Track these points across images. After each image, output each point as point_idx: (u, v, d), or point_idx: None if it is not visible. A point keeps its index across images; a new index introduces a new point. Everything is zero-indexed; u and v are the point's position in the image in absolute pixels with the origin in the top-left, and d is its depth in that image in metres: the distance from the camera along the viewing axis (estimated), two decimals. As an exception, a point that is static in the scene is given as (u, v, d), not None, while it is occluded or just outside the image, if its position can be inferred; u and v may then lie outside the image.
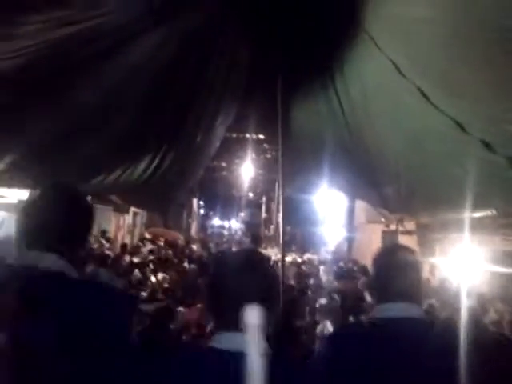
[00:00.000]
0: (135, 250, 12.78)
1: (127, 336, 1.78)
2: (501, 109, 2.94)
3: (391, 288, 2.07)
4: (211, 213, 49.85)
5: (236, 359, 1.55)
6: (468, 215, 5.29)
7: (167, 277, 9.94)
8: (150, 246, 13.81)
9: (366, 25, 3.52)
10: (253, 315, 1.57)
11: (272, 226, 32.42)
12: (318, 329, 6.04)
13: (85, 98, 3.82)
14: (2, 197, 6.34)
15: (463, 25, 2.58)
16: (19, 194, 6.35)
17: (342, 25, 3.85)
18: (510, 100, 2.82)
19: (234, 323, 1.62)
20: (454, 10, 2.52)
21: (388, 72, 3.53)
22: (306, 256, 16.47)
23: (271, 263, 1.83)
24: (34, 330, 1.57)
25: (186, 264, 11.57)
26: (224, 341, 1.65)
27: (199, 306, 6.62)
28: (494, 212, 5.14)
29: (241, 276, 1.69)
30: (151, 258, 11.82)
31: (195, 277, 8.98)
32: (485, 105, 3.07)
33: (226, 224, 49.68)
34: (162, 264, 11.20)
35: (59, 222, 1.85)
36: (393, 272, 2.10)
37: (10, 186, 5.29)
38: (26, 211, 1.88)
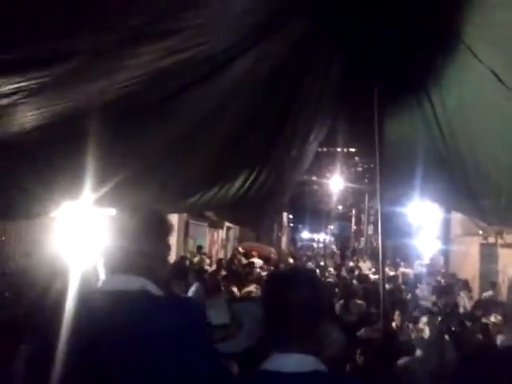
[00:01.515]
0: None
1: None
2: None
3: None
4: (300, 226, 49.86)
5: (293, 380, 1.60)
6: None
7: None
8: (244, 260, 13.96)
9: (464, 34, 3.46)
10: None
11: (362, 239, 31.97)
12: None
13: (187, 120, 3.98)
14: (104, 215, 6.70)
15: None
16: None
17: (438, 36, 3.80)
18: None
19: (288, 344, 1.66)
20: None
21: (487, 82, 3.44)
22: (401, 270, 16.05)
23: (320, 281, 1.84)
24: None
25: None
26: (276, 362, 1.66)
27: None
28: None
29: (296, 297, 1.68)
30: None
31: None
32: None
33: (316, 237, 49.51)
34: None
35: (145, 245, 1.90)
36: None
37: (111, 206, 5.58)
38: (111, 236, 1.94)
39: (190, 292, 6.29)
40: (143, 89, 2.96)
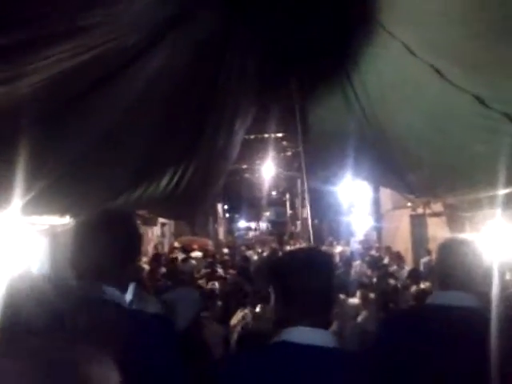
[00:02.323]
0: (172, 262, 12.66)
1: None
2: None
3: (450, 277, 2.17)
4: (237, 215, 49.99)
5: (309, 351, 1.66)
6: (496, 192, 5.24)
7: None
8: (181, 255, 13.83)
9: (379, 15, 3.53)
10: None
11: (298, 222, 32.39)
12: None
13: (104, 119, 3.88)
14: (33, 224, 6.46)
15: (474, 1, 2.59)
16: (50, 221, 6.48)
17: (355, 19, 3.86)
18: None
19: (304, 318, 1.72)
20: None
21: (402, 56, 3.53)
22: (338, 248, 16.40)
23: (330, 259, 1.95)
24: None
25: (219, 270, 11.53)
26: (296, 335, 1.71)
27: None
28: (523, 185, 5.07)
29: (311, 273, 1.76)
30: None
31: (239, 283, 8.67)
32: (504, 78, 3.05)
33: (253, 225, 49.79)
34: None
35: (110, 250, 1.83)
36: (452, 262, 2.19)
37: (40, 213, 5.38)
38: (75, 242, 1.85)
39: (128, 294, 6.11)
40: (58, 89, 2.86)
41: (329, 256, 2.02)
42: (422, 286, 6.89)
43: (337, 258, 13.00)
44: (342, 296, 6.29)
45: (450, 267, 2.18)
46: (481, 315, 2.06)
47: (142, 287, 6.54)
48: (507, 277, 7.32)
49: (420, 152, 5.02)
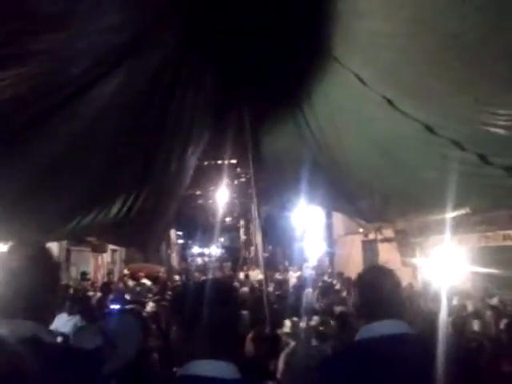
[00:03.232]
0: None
1: None
2: (469, 109, 3.02)
3: (377, 308, 2.13)
4: (190, 242, 49.49)
5: None
6: (444, 216, 5.37)
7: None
8: (130, 283, 13.60)
9: (331, 45, 3.59)
10: None
11: (252, 248, 32.35)
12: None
13: (53, 146, 3.79)
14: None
15: (422, 33, 2.67)
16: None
17: (308, 48, 3.92)
18: (478, 100, 2.91)
19: (206, 351, 1.72)
20: (412, 21, 2.61)
21: (352, 86, 3.60)
22: (290, 274, 16.42)
23: (235, 293, 1.96)
24: None
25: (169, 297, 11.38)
26: (197, 368, 1.71)
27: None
28: (469, 210, 5.23)
29: (213, 306, 1.75)
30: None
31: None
32: (452, 106, 3.14)
33: (206, 251, 49.37)
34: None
35: (31, 287, 1.78)
36: (377, 292, 2.16)
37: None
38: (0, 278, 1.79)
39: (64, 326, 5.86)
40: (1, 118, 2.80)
41: (231, 288, 2.02)
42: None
43: (291, 284, 13.01)
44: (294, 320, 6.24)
45: (377, 297, 2.15)
46: (417, 341, 2.08)
47: (88, 317, 6.37)
48: (453, 302, 7.46)
49: (370, 179, 5.11)
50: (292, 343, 5.60)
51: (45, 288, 1.83)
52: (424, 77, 3.03)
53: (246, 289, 12.01)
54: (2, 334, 1.65)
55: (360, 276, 2.32)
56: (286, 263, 20.29)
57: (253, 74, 4.61)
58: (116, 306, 9.56)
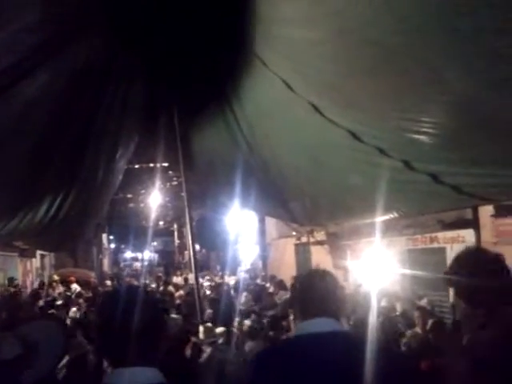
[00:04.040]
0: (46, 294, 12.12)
1: None
2: (393, 117, 3.09)
3: (310, 307, 2.21)
4: (123, 246, 48.59)
5: None
6: (374, 220, 5.49)
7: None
8: (60, 289, 13.21)
9: (255, 47, 3.60)
10: None
11: (186, 252, 32.13)
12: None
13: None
14: None
15: (347, 42, 2.71)
16: None
17: (232, 50, 3.91)
18: (402, 108, 2.98)
19: (124, 359, 1.70)
20: (338, 29, 2.64)
21: (280, 91, 3.62)
22: (224, 278, 16.40)
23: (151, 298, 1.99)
24: None
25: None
26: (120, 377, 1.69)
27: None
28: (397, 214, 5.37)
29: (126, 314, 1.72)
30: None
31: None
32: (376, 114, 3.21)
33: (140, 255, 48.60)
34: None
35: None
36: (310, 292, 2.25)
37: None
38: None
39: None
40: None
41: (146, 294, 2.01)
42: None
43: (223, 288, 12.99)
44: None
45: (310, 297, 2.24)
46: (346, 339, 2.18)
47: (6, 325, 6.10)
48: (383, 303, 7.64)
49: (299, 182, 5.15)
50: (208, 349, 5.59)
51: None
52: (350, 85, 3.08)
53: (181, 292, 11.94)
54: None
55: (296, 278, 2.46)
56: (218, 267, 20.24)
57: (181, 74, 4.56)
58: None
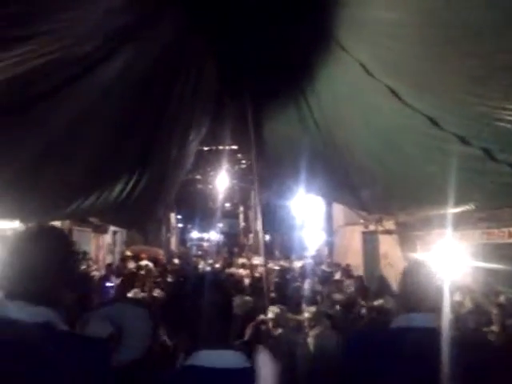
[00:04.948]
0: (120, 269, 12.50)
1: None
2: (475, 103, 2.95)
3: (413, 300, 2.25)
4: (189, 226, 49.63)
5: (218, 375, 1.68)
6: (447, 211, 5.30)
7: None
8: (132, 264, 13.59)
9: (336, 33, 3.52)
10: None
11: (251, 235, 32.40)
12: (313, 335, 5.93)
13: (56, 126, 3.75)
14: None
15: (429, 25, 2.59)
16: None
17: (311, 36, 3.85)
18: (481, 94, 2.83)
19: (210, 341, 1.75)
20: (420, 12, 2.54)
21: (358, 76, 3.53)
22: (288, 262, 16.40)
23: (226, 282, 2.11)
24: None
25: (169, 279, 11.38)
26: (204, 358, 1.72)
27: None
28: (473, 206, 5.16)
29: (213, 298, 1.81)
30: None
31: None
32: (456, 100, 3.07)
33: (205, 235, 49.50)
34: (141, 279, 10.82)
35: (47, 270, 1.72)
36: (415, 286, 2.29)
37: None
38: (8, 258, 1.73)
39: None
40: (10, 94, 2.75)
41: (221, 280, 2.10)
42: (376, 303, 6.88)
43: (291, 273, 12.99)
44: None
45: (414, 290, 2.27)
46: (440, 336, 2.11)
47: (88, 303, 6.34)
48: (456, 297, 7.40)
49: (373, 169, 5.04)
50: (315, 328, 5.58)
51: (55, 269, 1.76)
52: (430, 69, 2.96)
53: (249, 273, 12.07)
54: (17, 318, 1.62)
55: (404, 270, 2.44)
56: (277, 252, 20.29)
57: (255, 59, 4.53)
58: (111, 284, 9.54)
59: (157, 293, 7.98)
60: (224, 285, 1.97)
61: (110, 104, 4.12)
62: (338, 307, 7.27)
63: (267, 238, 28.25)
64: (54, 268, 1.74)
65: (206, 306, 1.79)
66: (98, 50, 3.12)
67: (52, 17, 2.29)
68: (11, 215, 5.45)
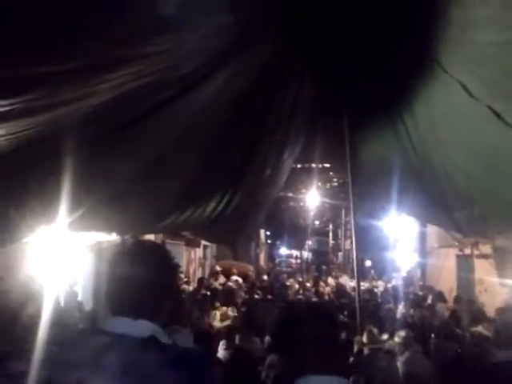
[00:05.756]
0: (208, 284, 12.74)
1: None
2: None
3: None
4: (278, 242, 49.75)
5: None
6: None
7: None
8: (222, 279, 13.84)
9: (437, 54, 3.52)
10: None
11: (340, 253, 32.06)
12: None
13: (156, 142, 3.95)
14: (80, 239, 6.63)
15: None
16: (96, 237, 6.64)
17: (411, 58, 3.86)
18: None
19: (316, 368, 1.76)
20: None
21: (458, 96, 3.51)
22: (378, 283, 16.10)
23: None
24: None
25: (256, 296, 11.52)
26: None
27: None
28: None
29: (318, 326, 1.83)
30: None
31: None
32: None
33: (294, 253, 49.43)
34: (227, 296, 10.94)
35: (152, 285, 1.76)
36: None
37: (87, 229, 5.51)
38: (111, 274, 1.78)
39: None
40: (114, 113, 2.95)
41: (329, 309, 2.14)
42: (480, 328, 6.63)
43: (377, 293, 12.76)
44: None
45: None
46: None
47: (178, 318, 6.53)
48: None
49: (471, 191, 4.93)
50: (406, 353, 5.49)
51: (161, 284, 1.80)
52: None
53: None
54: (124, 333, 1.66)
55: (503, 308, 2.51)
56: (372, 272, 19.86)
57: (353, 79, 4.58)
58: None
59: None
60: (332, 314, 2.02)
61: (211, 120, 4.28)
62: (431, 333, 7.07)
63: (361, 258, 27.84)
64: (159, 283, 1.78)
65: (314, 334, 1.82)
66: (201, 68, 3.28)
67: (152, 40, 2.42)
68: (108, 228, 5.70)
